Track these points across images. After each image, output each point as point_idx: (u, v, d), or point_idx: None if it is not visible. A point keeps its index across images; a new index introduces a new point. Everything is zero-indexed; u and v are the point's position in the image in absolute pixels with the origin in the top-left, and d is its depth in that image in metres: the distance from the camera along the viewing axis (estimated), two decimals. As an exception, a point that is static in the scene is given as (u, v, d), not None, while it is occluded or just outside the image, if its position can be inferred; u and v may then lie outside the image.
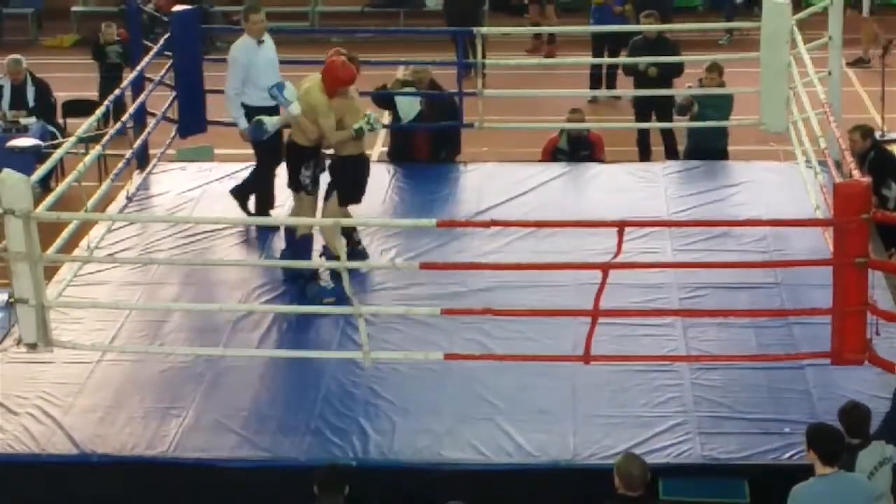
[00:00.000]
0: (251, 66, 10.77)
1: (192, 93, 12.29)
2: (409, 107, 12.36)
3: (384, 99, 12.62)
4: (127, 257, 10.50)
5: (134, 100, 11.60)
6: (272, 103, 10.14)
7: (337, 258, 8.32)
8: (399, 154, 12.59)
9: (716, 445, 8.13)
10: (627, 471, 7.11)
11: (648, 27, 14.36)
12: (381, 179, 11.93)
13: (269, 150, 10.62)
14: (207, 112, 12.53)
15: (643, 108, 14.31)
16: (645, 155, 14.24)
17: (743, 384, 8.70)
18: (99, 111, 10.69)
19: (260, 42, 10.79)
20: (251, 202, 11.11)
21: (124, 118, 11.11)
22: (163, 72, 12.31)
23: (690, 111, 12.91)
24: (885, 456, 7.35)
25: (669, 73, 13.93)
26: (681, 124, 13.33)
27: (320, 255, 9.93)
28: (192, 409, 8.59)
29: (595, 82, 16.98)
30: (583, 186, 11.97)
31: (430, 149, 12.52)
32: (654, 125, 14.02)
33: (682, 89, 13.51)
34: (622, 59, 15.15)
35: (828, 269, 7.94)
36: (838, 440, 7.21)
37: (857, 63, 17.74)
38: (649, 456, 7.86)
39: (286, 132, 10.13)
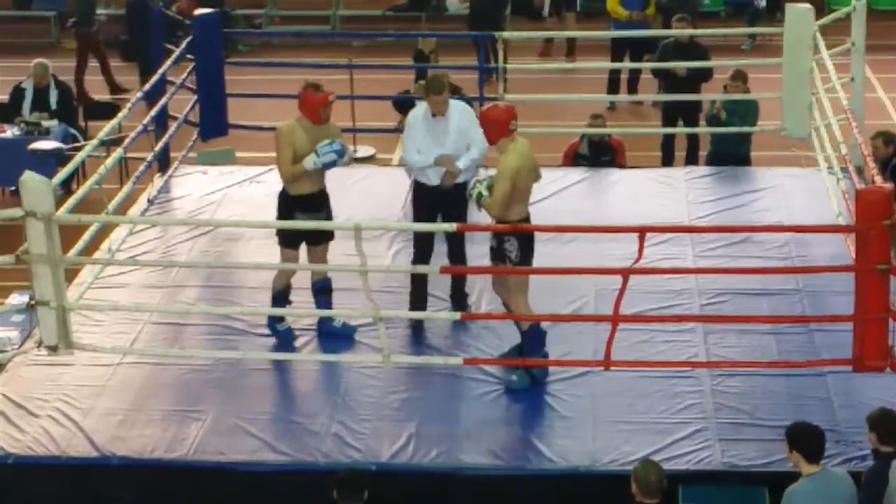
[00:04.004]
0: (417, 131, 9.34)
1: (213, 96, 12.32)
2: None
3: (406, 104, 12.61)
4: (148, 260, 10.51)
5: (156, 102, 11.61)
6: (436, 182, 9.32)
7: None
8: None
9: (736, 452, 8.10)
10: (645, 477, 7.10)
11: (677, 31, 14.34)
12: (400, 184, 11.92)
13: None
14: (229, 115, 12.57)
15: (671, 112, 14.29)
16: (668, 159, 14.21)
17: (764, 391, 8.67)
18: (121, 114, 10.71)
19: (437, 115, 9.31)
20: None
21: (145, 121, 11.12)
22: (185, 75, 12.34)
23: (719, 120, 12.86)
24: None
25: (699, 77, 13.91)
26: (705, 129, 13.29)
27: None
28: (212, 413, 8.60)
29: (613, 88, 16.96)
30: (603, 192, 11.95)
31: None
32: (679, 130, 14.00)
33: (709, 96, 13.47)
34: (648, 63, 15.12)
35: (850, 275, 7.93)
36: (820, 436, 7.24)
37: None
38: (669, 462, 7.86)
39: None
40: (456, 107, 9.35)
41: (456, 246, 9.47)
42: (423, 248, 9.39)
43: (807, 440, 7.22)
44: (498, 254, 8.70)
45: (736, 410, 8.50)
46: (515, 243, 8.62)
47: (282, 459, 8.18)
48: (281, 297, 9.45)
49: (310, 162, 9.12)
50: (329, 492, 7.49)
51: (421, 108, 9.35)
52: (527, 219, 8.79)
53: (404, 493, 8.02)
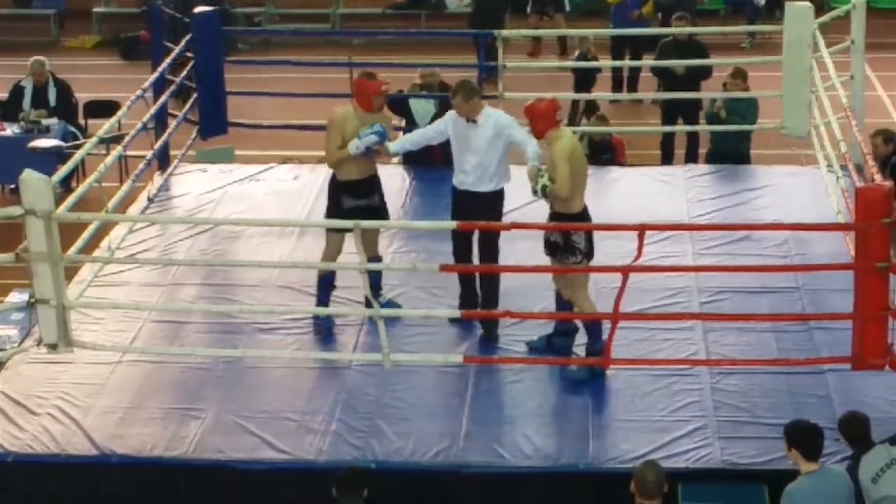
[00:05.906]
0: (448, 135, 9.42)
1: (213, 94, 12.32)
2: (424, 110, 12.35)
3: (399, 103, 12.60)
4: (147, 258, 10.51)
5: (155, 101, 11.61)
6: (463, 188, 9.36)
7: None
8: (415, 158, 12.50)
9: (735, 450, 8.10)
10: (643, 478, 7.12)
11: (675, 30, 14.34)
12: (399, 183, 11.94)
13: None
14: (228, 113, 12.56)
15: (670, 110, 14.29)
16: (668, 157, 14.22)
17: (763, 389, 8.67)
18: (121, 112, 10.70)
19: (470, 120, 9.25)
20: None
21: (145, 119, 11.12)
22: (184, 73, 12.33)
23: (719, 118, 12.85)
24: (892, 457, 7.32)
25: (699, 75, 13.91)
26: (705, 127, 13.29)
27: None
28: (212, 411, 8.60)
29: (617, 85, 16.96)
30: (604, 190, 11.93)
31: (446, 153, 12.45)
32: (679, 128, 13.99)
33: (709, 94, 13.47)
34: (647, 61, 15.12)
35: (849, 273, 7.93)
36: (818, 434, 7.27)
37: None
38: (669, 460, 7.86)
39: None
40: (491, 115, 9.22)
41: (486, 256, 9.34)
42: (461, 259, 9.38)
43: (805, 438, 7.23)
44: (567, 248, 8.75)
45: (735, 408, 8.50)
46: (582, 234, 8.72)
47: (281, 457, 8.18)
48: (326, 281, 9.43)
49: (353, 146, 9.17)
50: (328, 490, 7.49)
51: (453, 111, 9.33)
52: (586, 210, 8.85)
53: (404, 491, 8.01)
